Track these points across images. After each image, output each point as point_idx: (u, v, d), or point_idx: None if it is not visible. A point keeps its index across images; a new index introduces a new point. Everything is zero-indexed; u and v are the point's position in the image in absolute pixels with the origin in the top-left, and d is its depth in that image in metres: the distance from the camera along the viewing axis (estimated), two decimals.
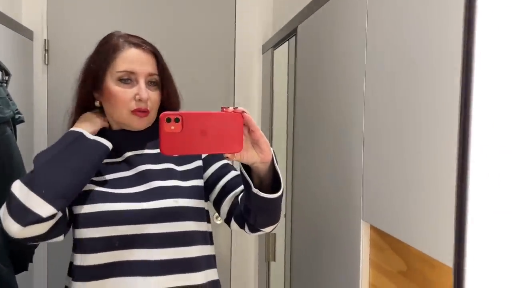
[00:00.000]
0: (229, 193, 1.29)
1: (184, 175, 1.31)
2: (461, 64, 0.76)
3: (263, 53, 2.57)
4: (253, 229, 1.25)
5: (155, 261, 1.23)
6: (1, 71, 1.78)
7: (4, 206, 1.16)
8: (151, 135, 1.31)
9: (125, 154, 1.31)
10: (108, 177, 1.28)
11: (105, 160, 1.28)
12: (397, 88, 1.01)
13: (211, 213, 1.37)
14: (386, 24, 1.08)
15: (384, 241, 1.13)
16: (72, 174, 1.18)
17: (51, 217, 1.15)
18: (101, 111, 1.32)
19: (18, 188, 1.15)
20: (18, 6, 2.34)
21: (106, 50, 1.27)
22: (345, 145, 1.31)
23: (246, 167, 1.12)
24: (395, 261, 1.08)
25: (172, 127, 0.97)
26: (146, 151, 1.32)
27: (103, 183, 1.26)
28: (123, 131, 1.31)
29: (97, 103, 1.32)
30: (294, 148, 1.88)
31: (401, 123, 0.99)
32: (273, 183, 1.14)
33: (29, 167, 1.21)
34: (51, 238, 1.20)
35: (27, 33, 2.31)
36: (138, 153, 1.32)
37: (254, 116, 2.53)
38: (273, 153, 1.10)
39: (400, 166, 1.00)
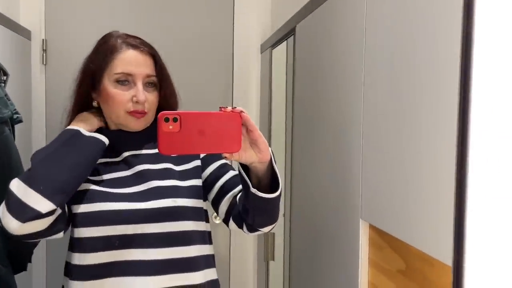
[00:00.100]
0: (227, 193, 1.29)
1: (183, 175, 1.31)
2: (460, 61, 0.76)
3: (261, 53, 2.56)
4: (252, 229, 1.25)
5: (154, 261, 1.23)
6: None
7: (3, 204, 1.16)
8: (149, 135, 1.30)
9: (123, 154, 1.31)
10: (107, 176, 1.28)
11: (104, 160, 1.28)
12: (395, 86, 1.01)
13: (210, 213, 1.37)
14: (384, 22, 1.08)
15: (383, 240, 1.13)
16: (70, 170, 1.18)
17: (50, 213, 1.15)
18: (98, 111, 1.32)
19: (16, 186, 1.15)
20: (16, 6, 2.33)
21: (104, 50, 1.27)
22: (344, 144, 1.31)
23: (245, 167, 1.12)
24: (394, 260, 1.08)
25: (170, 127, 0.97)
26: (144, 151, 1.32)
27: (102, 183, 1.26)
28: (120, 131, 1.31)
29: (95, 103, 1.32)
30: (293, 148, 1.88)
31: (400, 122, 0.99)
32: (271, 182, 1.14)
33: (27, 166, 1.21)
34: (50, 235, 1.21)
35: (25, 33, 2.31)
36: (136, 153, 1.31)
37: (253, 116, 2.53)
38: (271, 153, 1.10)
39: (399, 165, 1.00)
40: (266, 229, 1.25)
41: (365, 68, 1.16)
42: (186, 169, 1.33)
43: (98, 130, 1.29)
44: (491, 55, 0.74)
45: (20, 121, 1.80)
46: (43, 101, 2.43)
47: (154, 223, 1.23)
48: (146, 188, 1.26)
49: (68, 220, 1.24)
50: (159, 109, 1.29)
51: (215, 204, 1.32)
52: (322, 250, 1.50)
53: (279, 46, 2.19)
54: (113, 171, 1.29)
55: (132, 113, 1.26)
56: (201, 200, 1.32)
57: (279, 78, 2.17)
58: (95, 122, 1.29)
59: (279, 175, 1.13)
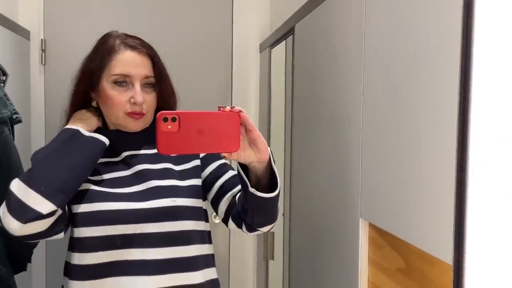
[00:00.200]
0: (226, 192, 1.29)
1: (182, 175, 1.31)
2: (460, 61, 0.76)
3: (260, 52, 2.56)
4: (251, 229, 1.25)
5: (153, 261, 1.23)
6: None
7: (3, 205, 1.16)
8: (148, 136, 1.30)
9: (123, 154, 1.31)
10: (107, 176, 1.27)
11: (103, 160, 1.28)
12: (394, 85, 1.01)
13: (209, 212, 1.37)
14: (383, 22, 1.07)
15: (382, 238, 1.13)
16: (70, 170, 1.18)
17: (51, 213, 1.15)
18: (97, 111, 1.32)
19: (16, 186, 1.15)
20: (15, 6, 2.33)
21: (102, 51, 1.27)
22: (343, 143, 1.31)
23: (244, 166, 1.12)
24: (394, 258, 1.08)
25: (169, 127, 0.97)
26: (144, 151, 1.32)
27: (102, 183, 1.26)
28: (119, 131, 1.31)
29: (94, 103, 1.32)
30: (292, 147, 1.88)
31: (399, 121, 0.99)
32: (270, 182, 1.14)
33: (27, 167, 1.21)
34: (51, 236, 1.21)
35: (24, 33, 2.30)
36: (136, 153, 1.31)
37: (252, 115, 2.53)
38: (270, 152, 1.10)
39: (398, 164, 0.99)
40: (265, 229, 1.25)
41: (364, 67, 1.16)
42: (185, 169, 1.33)
43: (97, 130, 1.29)
44: (491, 56, 0.74)
45: (20, 121, 1.80)
46: (42, 101, 2.43)
47: (153, 222, 1.23)
48: (145, 188, 1.26)
49: (68, 221, 1.24)
50: (158, 109, 1.29)
51: (215, 204, 1.32)
52: (321, 249, 1.50)
53: (278, 46, 2.19)
54: (113, 171, 1.29)
55: (130, 114, 1.25)
56: (201, 200, 1.32)
57: (278, 77, 2.17)
58: (94, 122, 1.29)
59: (277, 175, 1.13)
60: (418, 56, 0.91)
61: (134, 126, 1.28)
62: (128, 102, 1.25)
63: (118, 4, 2.49)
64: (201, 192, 1.32)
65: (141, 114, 1.26)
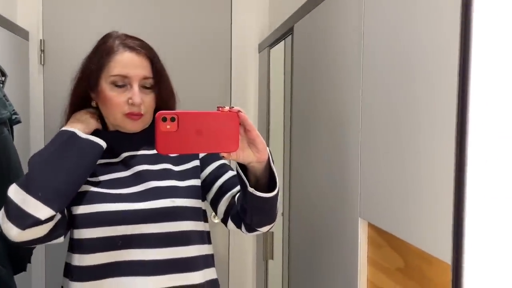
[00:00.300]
0: (226, 193, 1.29)
1: (182, 175, 1.31)
2: (458, 61, 0.76)
3: (259, 52, 2.56)
4: (250, 229, 1.25)
5: (153, 261, 1.23)
6: None
7: (2, 211, 1.16)
8: (147, 137, 1.30)
9: (122, 154, 1.31)
10: (106, 177, 1.27)
11: (102, 161, 1.28)
12: (393, 85, 1.01)
13: (209, 212, 1.37)
14: (382, 22, 1.08)
15: (382, 238, 1.13)
16: (67, 175, 1.18)
17: (50, 219, 1.15)
18: (96, 111, 1.32)
19: (14, 192, 1.15)
20: (14, 7, 2.33)
21: (101, 51, 1.27)
22: (342, 143, 1.31)
23: (242, 166, 1.12)
24: (393, 258, 1.08)
25: (168, 126, 0.97)
26: (142, 152, 1.32)
27: (101, 184, 1.26)
28: (118, 132, 1.31)
29: (93, 104, 1.32)
30: (291, 147, 1.88)
31: (398, 120, 0.99)
32: (269, 182, 1.14)
33: (26, 167, 1.21)
34: (50, 240, 1.21)
35: (23, 34, 2.30)
36: (134, 154, 1.31)
37: (251, 115, 2.53)
38: (269, 152, 1.10)
39: (397, 163, 1.00)
40: (264, 229, 1.25)
41: (363, 67, 1.16)
42: (185, 169, 1.33)
43: (96, 131, 1.29)
44: (489, 55, 0.74)
45: (19, 122, 1.80)
46: (41, 101, 2.43)
47: (153, 223, 1.23)
48: (144, 188, 1.26)
49: (68, 224, 1.24)
50: (158, 110, 1.28)
51: (214, 204, 1.32)
52: (321, 249, 1.50)
53: (277, 46, 2.19)
54: (112, 172, 1.28)
55: (128, 115, 1.25)
56: (200, 200, 1.32)
57: (277, 77, 2.17)
58: (92, 123, 1.29)
59: (276, 175, 1.13)
60: (416, 56, 0.92)
61: (133, 127, 1.28)
62: (126, 103, 1.25)
63: (117, 5, 2.49)
64: (200, 192, 1.32)
65: (139, 115, 1.26)
